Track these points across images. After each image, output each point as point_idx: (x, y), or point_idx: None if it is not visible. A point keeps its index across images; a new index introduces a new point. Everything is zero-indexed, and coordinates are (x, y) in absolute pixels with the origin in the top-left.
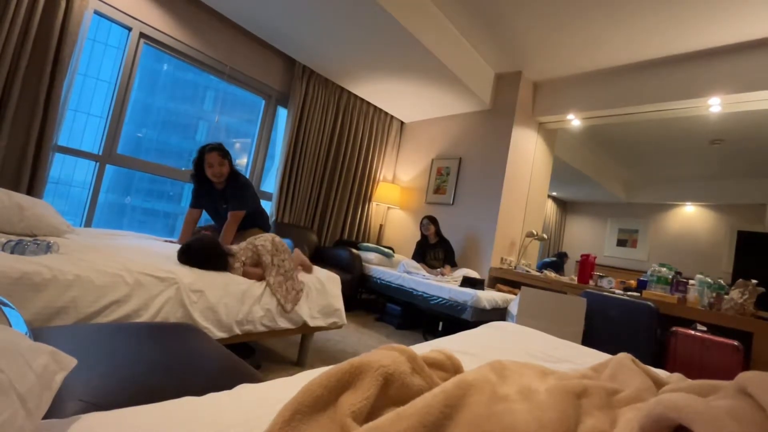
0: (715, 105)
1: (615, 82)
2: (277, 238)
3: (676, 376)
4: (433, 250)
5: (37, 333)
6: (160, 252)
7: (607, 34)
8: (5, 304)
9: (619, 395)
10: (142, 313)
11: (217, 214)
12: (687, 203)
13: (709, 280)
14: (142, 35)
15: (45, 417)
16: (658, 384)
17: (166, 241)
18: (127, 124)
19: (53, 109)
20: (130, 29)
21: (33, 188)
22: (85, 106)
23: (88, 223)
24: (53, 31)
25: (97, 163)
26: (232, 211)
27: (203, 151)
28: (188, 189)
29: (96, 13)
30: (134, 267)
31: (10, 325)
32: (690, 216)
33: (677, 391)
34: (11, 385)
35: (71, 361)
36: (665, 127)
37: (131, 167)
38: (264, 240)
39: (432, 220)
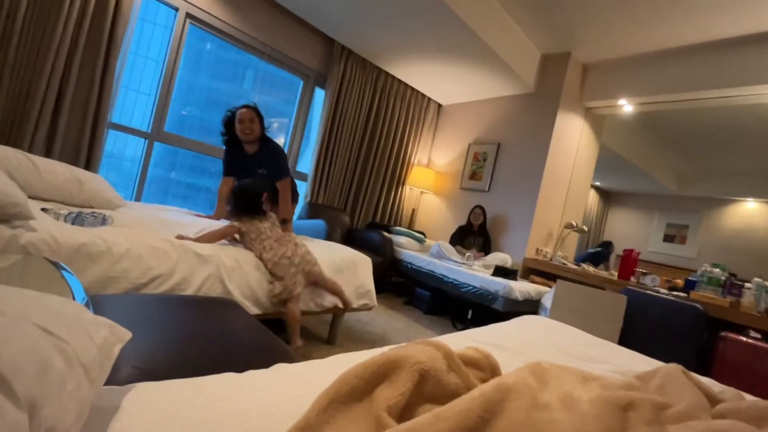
0: None
1: (674, 65)
2: (309, 254)
3: (732, 392)
4: (473, 237)
5: (94, 300)
6: (202, 229)
7: (667, 11)
8: (67, 271)
9: (669, 410)
10: (186, 287)
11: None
12: (748, 199)
13: None
14: (188, 15)
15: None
16: (712, 400)
17: (199, 215)
18: (173, 103)
19: (108, 87)
20: (177, 9)
21: (90, 163)
22: (135, 84)
23: (137, 197)
24: (107, 11)
25: (146, 141)
26: (279, 182)
27: (234, 110)
28: None
29: None
30: (179, 243)
31: (72, 291)
32: (751, 213)
33: (733, 412)
34: (76, 357)
35: (127, 334)
36: (728, 116)
37: (177, 145)
38: (298, 257)
39: (483, 210)
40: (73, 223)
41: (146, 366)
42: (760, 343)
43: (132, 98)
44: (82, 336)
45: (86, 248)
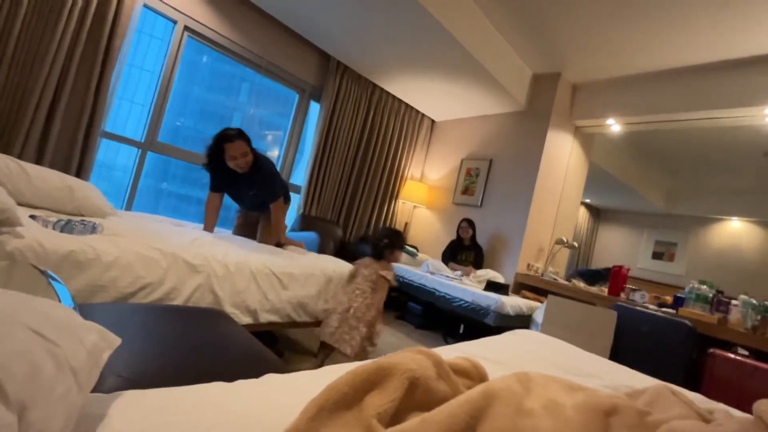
0: None
1: (661, 87)
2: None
3: (722, 410)
4: (465, 252)
5: (81, 309)
6: (194, 239)
7: (656, 36)
8: (54, 279)
9: (651, 417)
10: (175, 297)
11: (241, 198)
12: (734, 218)
13: (755, 302)
14: (186, 28)
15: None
16: (703, 418)
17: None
18: (167, 113)
19: (102, 97)
20: (175, 22)
21: (81, 171)
22: (129, 94)
23: (128, 207)
24: (106, 23)
25: (139, 150)
26: (273, 205)
27: (221, 141)
28: None
29: (145, 6)
30: (170, 252)
31: (59, 299)
32: (736, 231)
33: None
34: (67, 361)
35: (116, 340)
36: (714, 137)
37: (170, 155)
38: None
39: (470, 223)
40: (62, 231)
41: (132, 376)
42: (748, 360)
43: (126, 108)
44: (73, 340)
45: (74, 256)
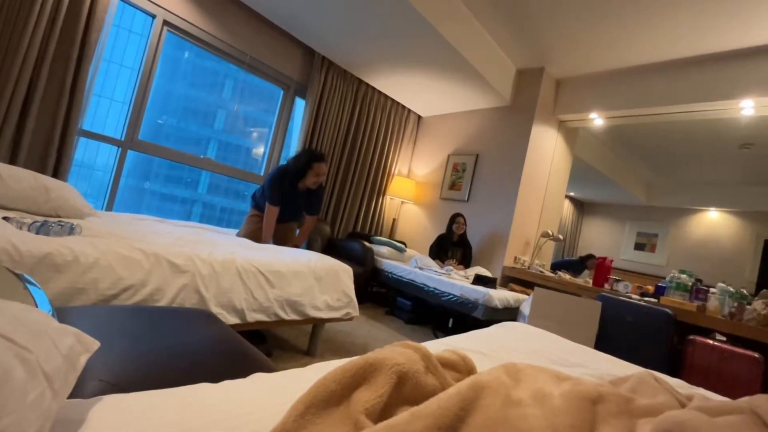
0: (747, 108)
1: (641, 81)
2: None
3: (700, 395)
4: (453, 248)
5: (59, 312)
6: (177, 238)
7: (635, 31)
8: (30, 283)
9: (636, 403)
10: (159, 298)
11: (294, 211)
12: (711, 209)
13: (731, 289)
14: (165, 23)
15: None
16: (682, 404)
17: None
18: (148, 111)
19: (79, 94)
20: (154, 16)
21: (58, 171)
22: (108, 92)
23: (109, 207)
24: (80, 17)
25: (119, 149)
26: (316, 216)
27: (315, 159)
28: (206, 176)
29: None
30: (152, 252)
31: (36, 304)
32: (714, 222)
33: (700, 410)
34: (39, 366)
35: (94, 343)
36: (692, 130)
37: (152, 153)
38: None
39: (464, 219)
40: (37, 233)
41: (114, 380)
42: (725, 346)
43: (105, 106)
44: (46, 344)
45: (51, 258)
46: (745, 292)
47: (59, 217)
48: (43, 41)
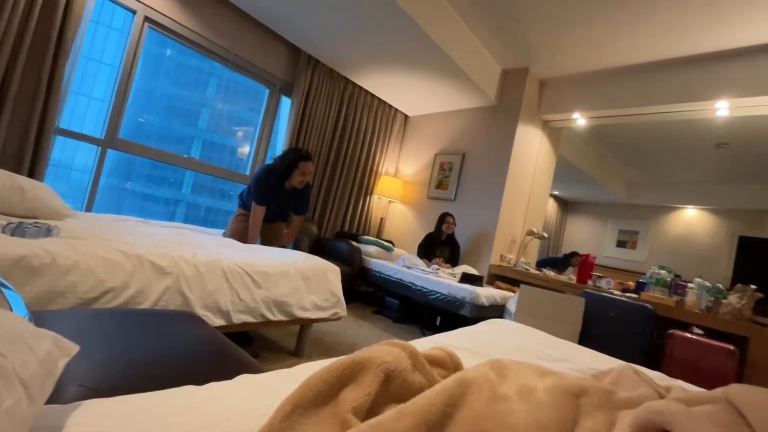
0: (722, 108)
1: (623, 82)
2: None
3: (678, 387)
4: (441, 248)
5: (36, 317)
6: (161, 239)
7: (617, 34)
8: (5, 286)
9: (617, 396)
10: (142, 301)
11: (281, 211)
12: (689, 206)
13: (708, 284)
14: (146, 19)
15: (46, 402)
16: (661, 395)
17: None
18: (129, 109)
19: (55, 91)
20: (134, 12)
21: (34, 171)
22: (87, 90)
23: (89, 208)
24: (57, 12)
25: (99, 148)
26: (303, 216)
27: (301, 158)
28: (190, 176)
29: None
30: (134, 254)
31: (11, 308)
32: (691, 219)
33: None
34: (14, 372)
35: (73, 347)
36: (671, 129)
37: (133, 153)
38: None
39: (454, 218)
40: (12, 234)
41: (95, 385)
42: (703, 339)
43: (83, 104)
44: (22, 350)
45: (27, 261)
46: (720, 286)
47: (35, 218)
48: (18, 36)
